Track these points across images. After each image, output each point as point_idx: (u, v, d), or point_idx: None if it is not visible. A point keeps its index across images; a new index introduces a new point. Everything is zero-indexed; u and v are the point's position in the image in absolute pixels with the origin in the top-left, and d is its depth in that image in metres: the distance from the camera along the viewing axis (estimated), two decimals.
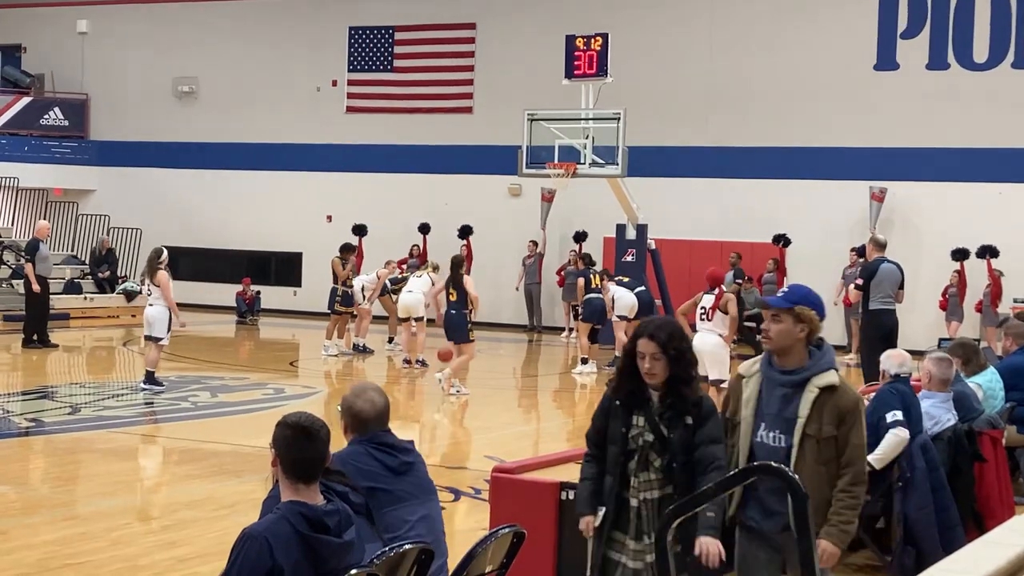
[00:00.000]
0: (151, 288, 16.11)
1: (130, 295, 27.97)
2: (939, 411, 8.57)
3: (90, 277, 28.96)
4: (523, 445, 13.50)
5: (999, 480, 8.70)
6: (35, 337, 20.62)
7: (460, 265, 17.68)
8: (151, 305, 16.13)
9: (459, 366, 17.20)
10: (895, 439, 8.02)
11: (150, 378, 16.06)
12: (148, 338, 16.18)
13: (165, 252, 16.39)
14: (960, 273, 23.05)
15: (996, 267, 22.66)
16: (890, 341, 13.35)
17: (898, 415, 8.06)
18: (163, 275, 15.89)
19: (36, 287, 20.29)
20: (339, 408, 5.55)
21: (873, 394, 8.57)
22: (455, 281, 17.24)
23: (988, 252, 22.75)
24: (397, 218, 27.51)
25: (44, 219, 25.03)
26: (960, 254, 23.04)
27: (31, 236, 23.04)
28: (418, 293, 19.30)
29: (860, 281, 14.91)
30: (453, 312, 17.08)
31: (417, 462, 5.65)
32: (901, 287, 14.89)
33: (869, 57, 25.45)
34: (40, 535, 9.02)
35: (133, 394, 16.41)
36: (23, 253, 23.44)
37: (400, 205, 28.06)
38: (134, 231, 30.47)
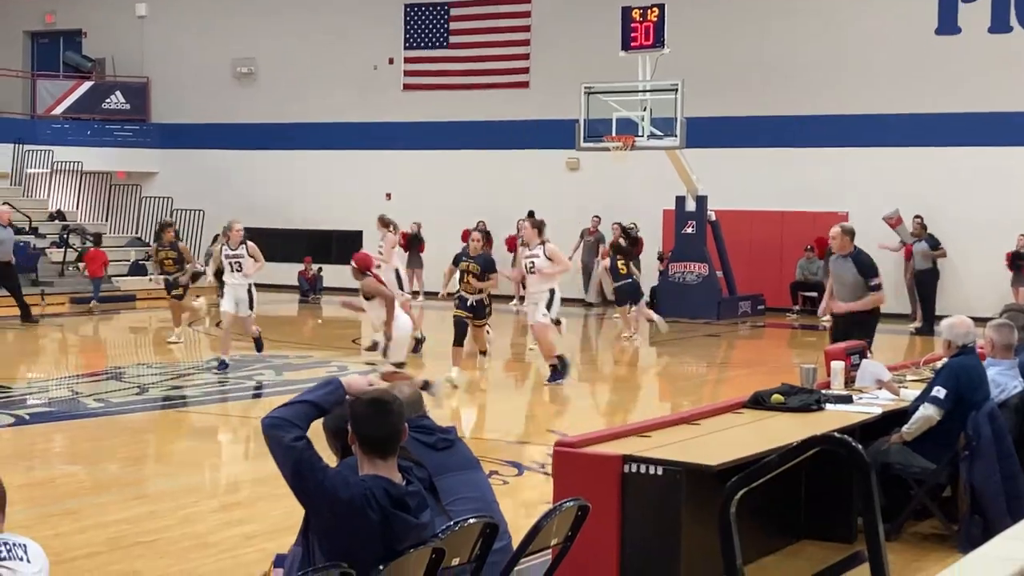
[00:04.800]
0: None
1: (195, 276, 28.14)
2: (1005, 378, 8.49)
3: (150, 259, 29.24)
4: (586, 419, 13.51)
5: None
6: None
7: (637, 241, 20.71)
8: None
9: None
10: (922, 415, 8.05)
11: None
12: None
13: None
14: None
15: None
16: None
17: (940, 392, 8.02)
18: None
19: None
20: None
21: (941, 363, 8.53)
22: (628, 254, 20.58)
23: None
24: (455, 194, 27.61)
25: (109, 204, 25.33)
26: None
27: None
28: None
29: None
30: (629, 280, 20.11)
31: (457, 442, 5.73)
32: None
33: (931, 21, 25.10)
34: (111, 514, 9.14)
35: (199, 374, 16.58)
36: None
37: (458, 181, 28.12)
38: (197, 212, 30.73)
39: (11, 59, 33.10)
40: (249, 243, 16.55)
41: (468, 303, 15.09)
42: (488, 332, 16.22)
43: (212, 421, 13.52)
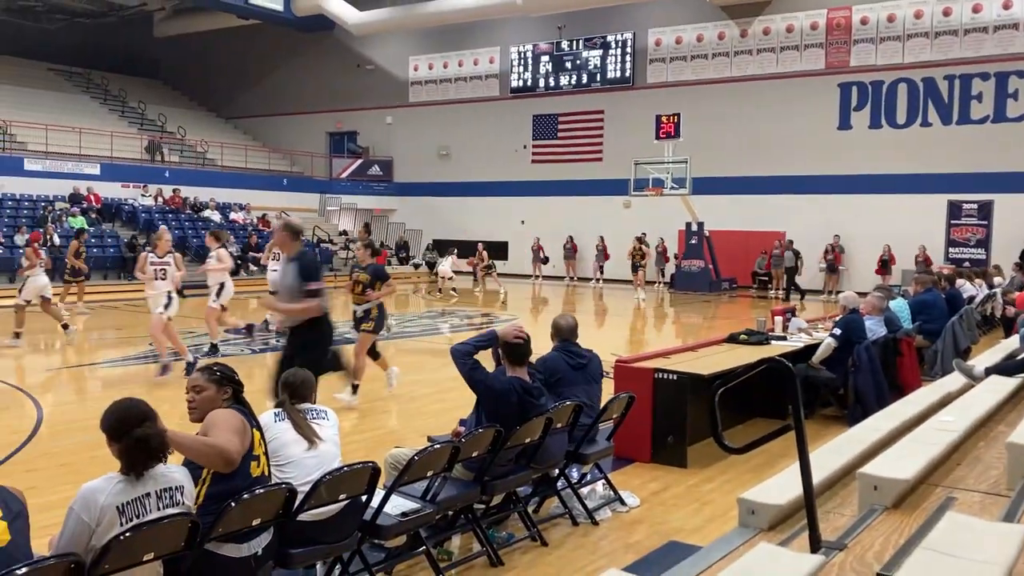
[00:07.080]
0: None
1: (417, 266, 28.65)
2: (875, 327, 8.37)
3: (395, 257, 29.75)
4: (633, 347, 13.41)
5: (911, 367, 8.40)
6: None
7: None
8: None
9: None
10: (824, 345, 7.92)
11: None
12: None
13: None
14: (889, 251, 22.19)
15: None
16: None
17: (836, 332, 7.93)
18: None
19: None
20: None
21: (839, 317, 8.38)
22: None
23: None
24: (559, 221, 27.63)
25: (365, 227, 25.59)
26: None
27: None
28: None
29: None
30: None
31: (591, 361, 5.39)
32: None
33: (835, 121, 24.30)
34: (372, 391, 9.37)
35: (419, 319, 16.70)
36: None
37: (561, 214, 28.10)
38: (418, 231, 31.19)
39: (318, 147, 33.84)
40: (176, 253, 10.15)
41: (356, 313, 8.95)
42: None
43: (430, 346, 13.68)
